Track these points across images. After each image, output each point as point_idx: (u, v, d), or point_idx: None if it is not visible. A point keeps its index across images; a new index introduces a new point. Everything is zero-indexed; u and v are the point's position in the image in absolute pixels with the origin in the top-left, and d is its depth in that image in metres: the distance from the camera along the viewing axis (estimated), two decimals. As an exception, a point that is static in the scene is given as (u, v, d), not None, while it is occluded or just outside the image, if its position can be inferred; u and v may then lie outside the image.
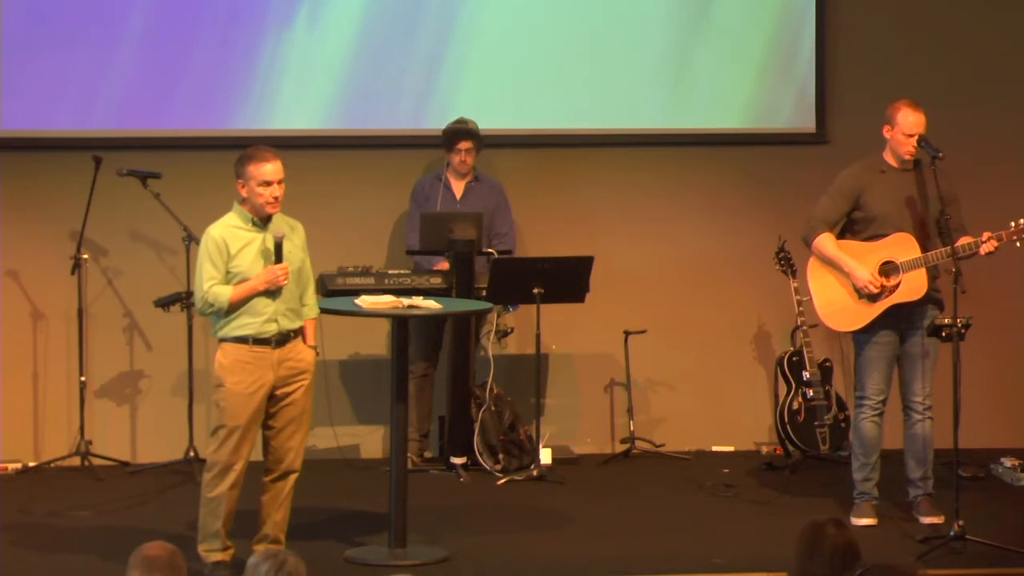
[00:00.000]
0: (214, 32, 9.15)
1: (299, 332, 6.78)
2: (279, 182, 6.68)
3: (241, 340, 6.65)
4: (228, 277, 6.67)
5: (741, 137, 9.55)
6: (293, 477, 6.76)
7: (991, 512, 7.75)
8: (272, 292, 6.65)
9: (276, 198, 6.68)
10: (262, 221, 6.72)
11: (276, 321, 6.67)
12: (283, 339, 6.68)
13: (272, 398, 6.69)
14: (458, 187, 9.05)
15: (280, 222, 6.79)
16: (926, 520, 7.59)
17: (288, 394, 6.70)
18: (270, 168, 6.67)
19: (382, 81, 9.27)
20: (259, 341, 6.65)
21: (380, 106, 9.30)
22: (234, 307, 6.65)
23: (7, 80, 9.01)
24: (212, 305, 6.65)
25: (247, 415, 6.62)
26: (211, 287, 6.64)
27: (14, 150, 9.07)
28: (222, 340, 6.70)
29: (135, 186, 8.71)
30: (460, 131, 8.95)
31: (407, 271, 8.77)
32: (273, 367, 6.65)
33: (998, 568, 6.90)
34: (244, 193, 6.70)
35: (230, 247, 6.68)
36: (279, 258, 6.66)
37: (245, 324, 6.65)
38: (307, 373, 6.75)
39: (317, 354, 6.87)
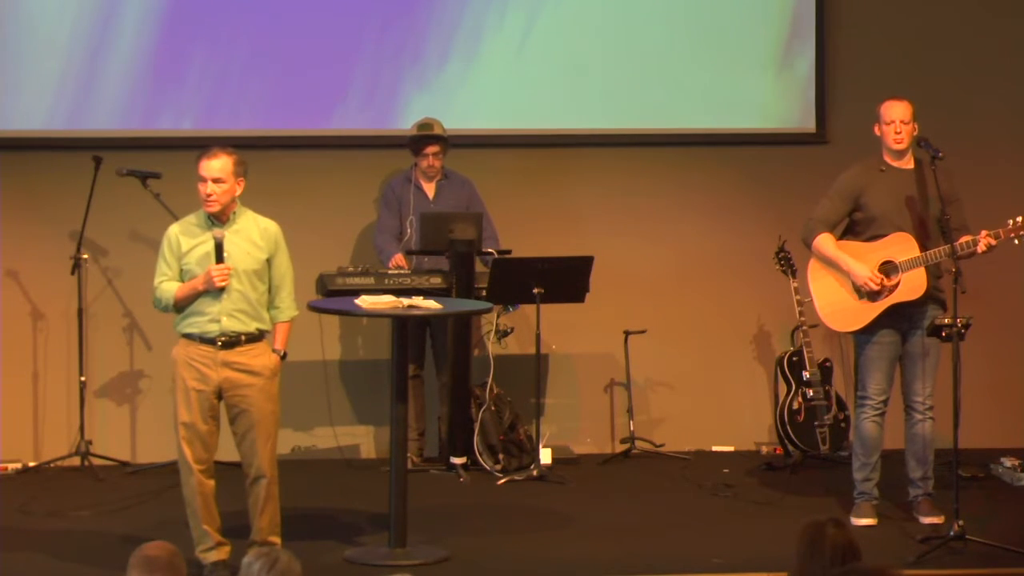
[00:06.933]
0: (215, 32, 9.16)
1: (257, 336, 6.73)
2: (214, 180, 6.64)
3: (189, 337, 6.70)
4: (181, 275, 6.72)
5: (741, 137, 9.55)
6: (264, 483, 6.68)
7: (991, 512, 7.75)
8: (215, 292, 6.64)
9: (209, 195, 6.65)
10: (219, 220, 6.73)
11: (219, 321, 6.65)
12: (230, 341, 6.65)
13: (226, 403, 6.69)
14: (429, 187, 9.03)
15: (249, 221, 6.77)
16: (926, 520, 7.59)
17: (239, 398, 6.67)
18: (206, 164, 6.66)
19: (379, 81, 9.27)
20: (204, 340, 6.66)
21: (378, 106, 9.30)
22: (181, 304, 6.70)
23: (7, 80, 9.02)
24: (160, 301, 6.75)
25: (192, 412, 6.63)
26: (160, 283, 6.73)
27: (14, 150, 9.07)
28: (179, 335, 6.76)
29: (135, 186, 8.71)
30: (426, 136, 8.93)
31: (407, 271, 8.77)
32: (217, 368, 6.64)
33: (998, 568, 6.89)
34: None
35: (182, 245, 6.72)
36: (219, 258, 6.65)
37: (193, 322, 6.69)
38: (260, 377, 6.68)
39: (284, 358, 6.81)
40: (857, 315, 7.59)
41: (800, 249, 8.20)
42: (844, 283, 7.61)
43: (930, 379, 7.59)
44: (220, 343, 6.65)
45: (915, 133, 7.59)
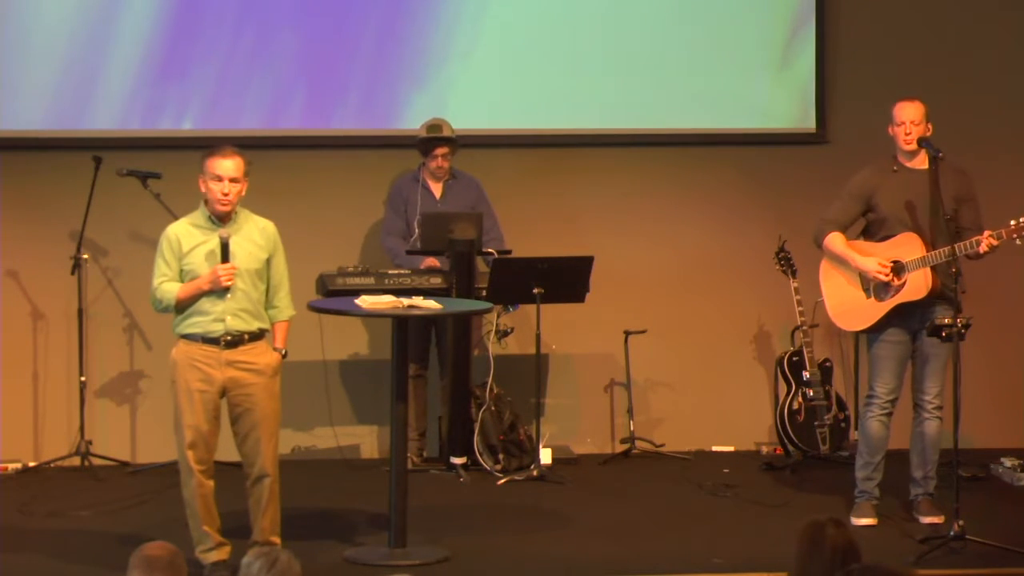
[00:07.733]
0: (215, 32, 9.15)
1: (259, 334, 6.73)
2: (231, 180, 6.64)
3: (191, 338, 6.67)
4: (182, 275, 6.70)
5: (741, 137, 9.55)
6: (267, 482, 6.69)
7: (991, 512, 7.75)
8: (220, 292, 6.63)
9: (225, 194, 6.64)
10: (220, 220, 6.72)
11: (223, 321, 6.64)
12: (234, 340, 6.65)
13: (229, 402, 6.69)
14: (436, 187, 9.04)
15: (248, 221, 6.77)
16: (926, 520, 7.59)
17: (244, 397, 6.67)
18: (221, 163, 6.65)
19: (379, 81, 9.27)
20: (208, 340, 6.64)
21: (378, 106, 9.30)
22: (183, 305, 6.67)
23: (7, 80, 9.02)
24: (161, 302, 6.72)
25: (196, 413, 6.61)
26: (160, 284, 6.70)
27: (14, 150, 9.07)
28: (178, 336, 6.73)
29: (135, 186, 8.71)
30: (436, 138, 8.93)
31: (407, 271, 8.77)
32: (221, 367, 6.63)
33: (998, 568, 6.89)
34: (203, 189, 6.72)
35: (183, 245, 6.70)
36: (225, 258, 6.64)
37: (195, 322, 6.67)
38: (264, 376, 6.69)
39: (284, 357, 6.82)
40: (866, 314, 7.59)
41: (800, 249, 8.20)
42: (854, 283, 7.61)
43: (939, 378, 7.58)
44: (224, 343, 6.64)
45: (928, 134, 7.58)
